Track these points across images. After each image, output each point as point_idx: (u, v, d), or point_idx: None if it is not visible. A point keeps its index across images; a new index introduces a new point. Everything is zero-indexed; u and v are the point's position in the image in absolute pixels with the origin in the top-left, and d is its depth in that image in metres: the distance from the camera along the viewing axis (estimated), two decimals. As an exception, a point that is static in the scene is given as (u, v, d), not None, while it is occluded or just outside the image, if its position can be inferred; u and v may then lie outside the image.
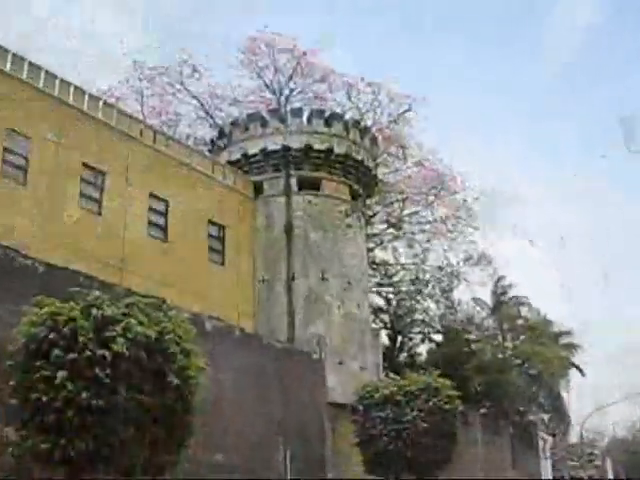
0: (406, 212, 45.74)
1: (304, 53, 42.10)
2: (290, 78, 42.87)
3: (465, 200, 45.00)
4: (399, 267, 48.34)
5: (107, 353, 14.83)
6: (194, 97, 43.20)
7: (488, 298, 52.58)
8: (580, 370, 55.64)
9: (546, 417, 55.21)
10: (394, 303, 49.50)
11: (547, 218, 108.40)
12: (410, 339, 50.49)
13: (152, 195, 30.36)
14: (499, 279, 50.45)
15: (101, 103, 30.12)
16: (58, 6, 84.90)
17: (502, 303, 51.34)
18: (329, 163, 36.04)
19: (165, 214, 30.94)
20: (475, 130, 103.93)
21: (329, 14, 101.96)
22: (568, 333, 55.23)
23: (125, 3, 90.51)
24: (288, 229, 35.02)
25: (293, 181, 35.70)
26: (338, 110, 40.52)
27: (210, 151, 38.09)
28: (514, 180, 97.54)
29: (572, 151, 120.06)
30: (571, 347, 55.30)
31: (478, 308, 51.19)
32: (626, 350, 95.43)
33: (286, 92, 43.20)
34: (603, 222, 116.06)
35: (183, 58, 42.27)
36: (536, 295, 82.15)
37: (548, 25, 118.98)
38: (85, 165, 27.83)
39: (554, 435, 57.63)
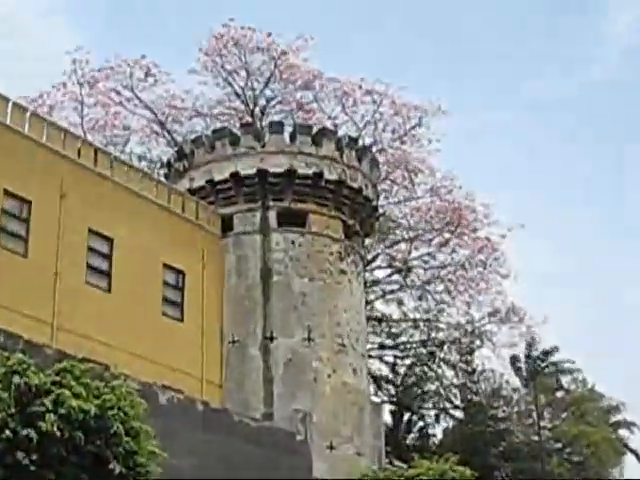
0: (415, 254, 46.08)
1: (283, 52, 42.47)
2: (267, 84, 43.27)
3: (489, 239, 45.10)
4: (407, 324, 48.39)
5: (33, 433, 14.41)
6: (147, 107, 43.15)
7: (520, 364, 52.53)
8: (637, 455, 55.74)
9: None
10: (400, 370, 49.46)
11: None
12: (421, 416, 50.25)
13: (92, 231, 30.25)
14: (533, 340, 50.25)
15: (28, 114, 30.13)
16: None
17: (537, 371, 50.94)
18: (318, 192, 35.96)
19: (109, 256, 30.84)
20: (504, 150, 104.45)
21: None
22: (619, 408, 54.97)
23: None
24: (265, 275, 34.83)
25: (272, 215, 35.63)
26: (329, 125, 41.51)
27: (167, 176, 38.09)
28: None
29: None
30: (624, 426, 55.08)
31: (507, 377, 51.10)
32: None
33: (262, 102, 43.73)
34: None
35: (134, 58, 42.51)
36: (581, 360, 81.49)
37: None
38: (7, 192, 27.74)
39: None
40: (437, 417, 50.85)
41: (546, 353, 51.99)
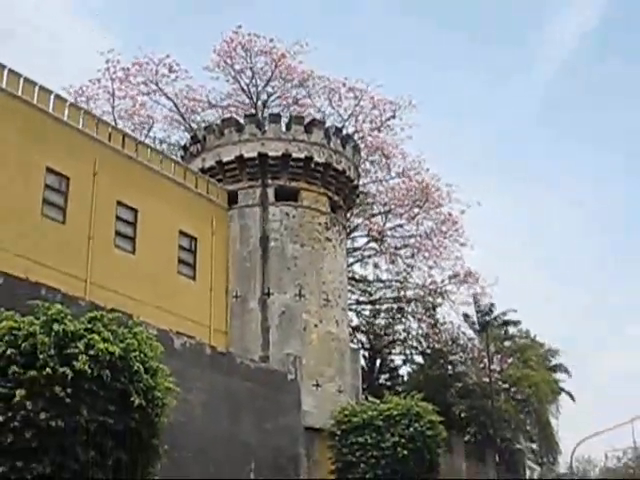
0: (389, 225, 46.14)
1: (282, 55, 42.33)
2: (268, 82, 43.03)
3: (450, 214, 45.23)
4: (380, 284, 48.50)
5: (68, 371, 14.57)
6: (169, 99, 43.02)
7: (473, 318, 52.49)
8: (570, 395, 56.03)
9: (534, 445, 54.96)
10: (374, 322, 49.20)
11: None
12: (391, 360, 50.19)
13: (120, 204, 30.00)
14: (477, 295, 49.44)
15: (68, 104, 29.95)
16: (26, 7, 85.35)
17: (488, 323, 50.89)
18: (308, 172, 35.68)
19: (134, 224, 30.52)
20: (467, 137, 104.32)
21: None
22: (557, 352, 55.34)
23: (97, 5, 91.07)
24: (264, 242, 34.68)
25: (270, 191, 35.38)
26: (318, 116, 41.14)
27: (183, 157, 37.81)
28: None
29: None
30: (560, 369, 55.39)
31: (463, 329, 50.84)
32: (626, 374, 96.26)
33: (263, 97, 43.56)
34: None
35: (159, 57, 42.49)
36: (527, 316, 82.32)
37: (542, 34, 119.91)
38: (49, 169, 27.49)
39: (542, 464, 57.51)
40: (404, 361, 50.88)
41: (491, 307, 51.80)
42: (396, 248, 46.15)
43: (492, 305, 51.64)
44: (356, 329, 47.99)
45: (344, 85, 43.17)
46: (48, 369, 14.55)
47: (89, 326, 15.54)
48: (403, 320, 48.81)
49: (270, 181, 35.39)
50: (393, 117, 44.11)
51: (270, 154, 35.22)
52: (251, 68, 42.72)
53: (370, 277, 48.40)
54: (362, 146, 41.15)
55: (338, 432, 27.40)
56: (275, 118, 36.67)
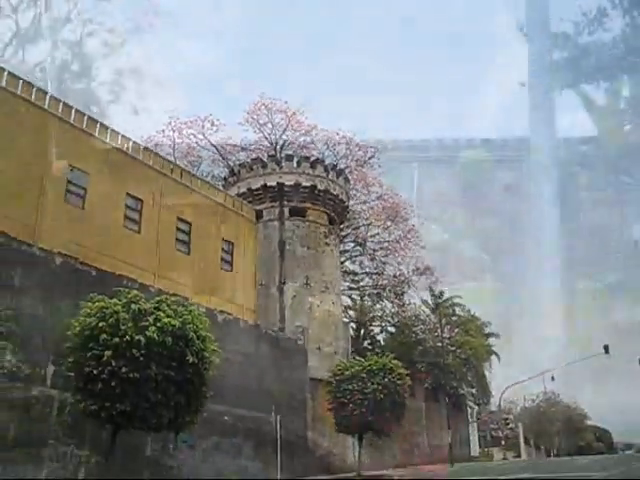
0: (369, 234, 45.57)
1: (294, 113, 42.01)
2: (283, 132, 42.62)
3: (414, 225, 45.43)
4: (363, 275, 47.90)
5: (142, 338, 14.72)
6: (212, 145, 42.74)
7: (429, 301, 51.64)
8: (497, 356, 55.63)
9: (473, 391, 54.70)
10: (359, 302, 48.74)
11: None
12: (371, 330, 49.48)
13: (179, 218, 29.72)
14: (432, 284, 49.14)
15: (142, 147, 29.85)
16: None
17: (440, 304, 50.46)
18: (313, 196, 35.52)
19: (189, 233, 30.21)
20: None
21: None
22: (489, 323, 54.68)
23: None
24: (281, 246, 34.45)
25: (285, 210, 35.21)
26: (320, 157, 40.44)
27: (224, 185, 37.57)
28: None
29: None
30: (491, 336, 54.82)
31: (423, 307, 50.24)
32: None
33: (280, 143, 42.91)
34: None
35: (205, 115, 42.45)
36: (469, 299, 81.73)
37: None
38: (128, 194, 27.34)
39: (479, 404, 57.39)
40: (381, 331, 50.01)
41: (441, 293, 50.94)
42: (374, 250, 45.90)
43: (441, 292, 50.86)
44: (347, 308, 47.15)
45: (338, 134, 43.11)
46: (127, 337, 14.68)
47: (157, 306, 15.60)
48: (380, 302, 48.24)
49: (286, 203, 35.23)
50: (373, 157, 44.00)
51: (286, 183, 35.18)
52: (271, 122, 42.46)
53: (357, 270, 47.89)
54: (351, 178, 41.11)
55: (334, 382, 27.04)
56: (289, 158, 36.62)
